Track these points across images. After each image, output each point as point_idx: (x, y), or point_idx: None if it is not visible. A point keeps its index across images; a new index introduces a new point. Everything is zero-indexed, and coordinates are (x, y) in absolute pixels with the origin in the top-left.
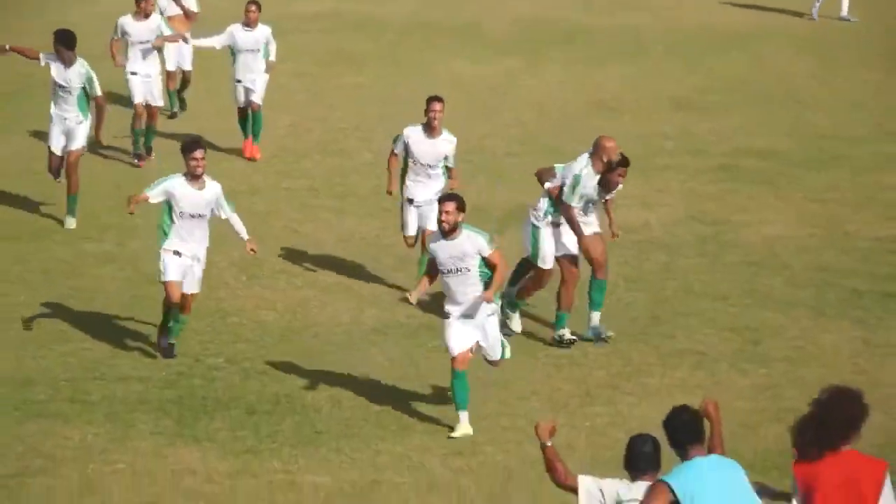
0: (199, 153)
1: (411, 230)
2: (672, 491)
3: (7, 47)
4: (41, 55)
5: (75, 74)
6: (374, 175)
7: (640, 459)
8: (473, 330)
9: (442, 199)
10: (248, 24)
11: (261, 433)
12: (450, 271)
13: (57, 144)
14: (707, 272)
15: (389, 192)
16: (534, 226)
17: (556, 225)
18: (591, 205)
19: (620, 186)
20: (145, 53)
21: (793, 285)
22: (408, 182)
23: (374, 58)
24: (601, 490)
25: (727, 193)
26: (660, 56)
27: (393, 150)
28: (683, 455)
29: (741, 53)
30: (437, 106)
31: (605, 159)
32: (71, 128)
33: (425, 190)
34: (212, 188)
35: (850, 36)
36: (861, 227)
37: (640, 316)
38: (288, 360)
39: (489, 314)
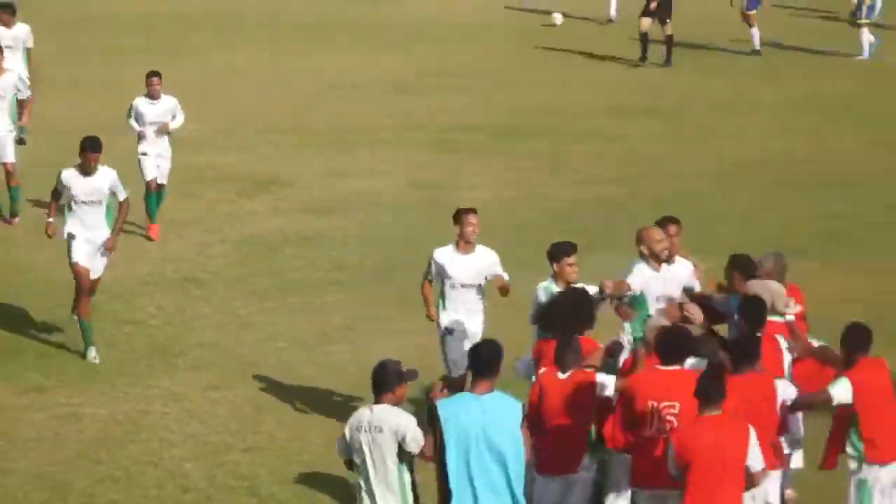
0: None
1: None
2: None
3: None
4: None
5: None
6: None
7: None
8: None
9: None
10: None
11: (48, 373)
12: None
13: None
14: (428, 229)
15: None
16: None
17: None
18: None
19: None
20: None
21: (497, 241)
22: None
23: None
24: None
25: (441, 163)
26: (380, 45)
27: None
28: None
29: (458, 45)
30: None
31: None
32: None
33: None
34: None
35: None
36: (554, 190)
37: (376, 266)
38: (67, 309)
39: None
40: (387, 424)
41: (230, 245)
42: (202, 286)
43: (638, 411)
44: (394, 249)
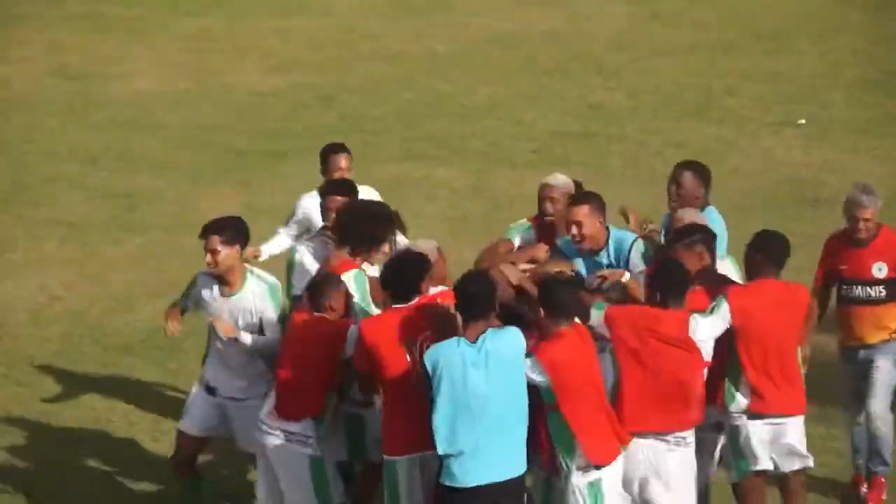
0: None
1: None
2: None
3: None
4: None
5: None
6: None
7: None
8: None
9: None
10: None
11: None
12: None
13: None
14: (74, 133)
15: None
16: None
17: None
18: None
19: None
20: None
21: (169, 145)
22: None
23: None
24: None
25: (92, 45)
26: None
27: None
28: None
29: None
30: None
31: None
32: None
33: None
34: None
35: None
36: (239, 80)
37: (1, 183)
38: None
39: None
40: None
41: None
42: None
43: None
44: (25, 162)
